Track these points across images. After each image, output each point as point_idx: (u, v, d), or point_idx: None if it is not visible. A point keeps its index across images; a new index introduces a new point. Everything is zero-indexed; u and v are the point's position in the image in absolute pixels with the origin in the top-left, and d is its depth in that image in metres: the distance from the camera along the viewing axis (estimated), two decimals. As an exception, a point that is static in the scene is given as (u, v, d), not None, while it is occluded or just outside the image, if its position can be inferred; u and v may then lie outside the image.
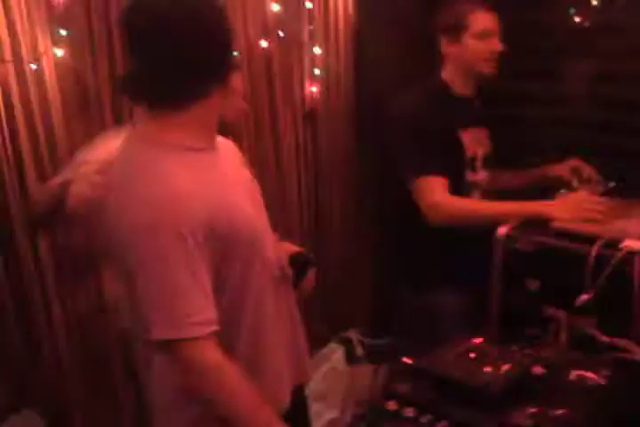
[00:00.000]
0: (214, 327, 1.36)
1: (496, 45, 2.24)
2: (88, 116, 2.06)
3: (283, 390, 1.59)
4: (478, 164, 2.33)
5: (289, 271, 1.62)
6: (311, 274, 1.71)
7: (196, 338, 1.34)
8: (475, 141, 2.31)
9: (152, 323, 1.34)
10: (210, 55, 1.36)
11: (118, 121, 2.11)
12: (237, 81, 1.45)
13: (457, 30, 2.23)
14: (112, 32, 2.07)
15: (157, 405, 1.55)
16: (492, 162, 2.39)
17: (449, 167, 2.19)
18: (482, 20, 2.22)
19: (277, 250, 1.60)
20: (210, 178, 1.43)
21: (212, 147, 1.48)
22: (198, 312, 1.34)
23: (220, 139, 1.53)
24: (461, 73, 2.29)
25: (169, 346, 1.35)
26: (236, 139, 1.81)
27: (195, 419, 1.48)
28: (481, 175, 2.34)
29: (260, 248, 1.50)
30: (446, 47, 2.27)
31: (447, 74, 2.30)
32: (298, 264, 1.65)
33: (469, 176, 2.30)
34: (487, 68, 2.25)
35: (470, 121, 2.31)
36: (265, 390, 1.47)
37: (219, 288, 1.41)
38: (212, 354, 1.36)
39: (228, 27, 1.39)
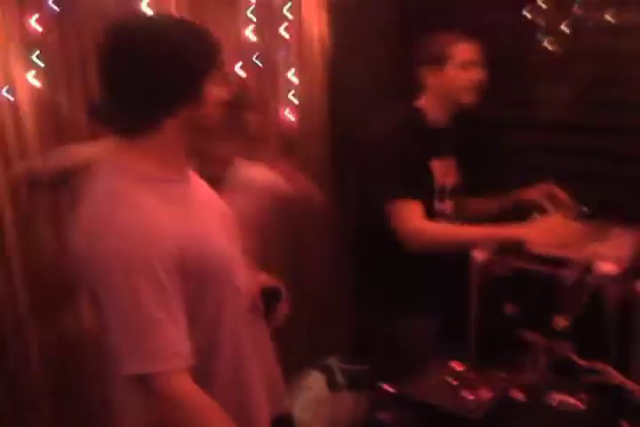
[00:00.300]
0: (188, 360, 1.34)
1: (478, 75, 2.28)
2: (64, 140, 2.05)
3: (263, 421, 1.58)
4: (447, 194, 2.35)
5: (260, 304, 1.61)
6: (282, 307, 1.70)
7: (171, 371, 1.32)
8: (444, 172, 2.34)
9: (123, 357, 1.32)
10: (166, 82, 1.33)
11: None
12: (214, 92, 1.40)
13: (440, 61, 2.26)
14: (88, 61, 2.06)
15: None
16: (457, 192, 2.42)
17: (420, 195, 2.21)
18: (465, 51, 2.26)
19: (250, 281, 1.59)
20: (181, 209, 1.42)
21: (183, 177, 1.47)
22: (172, 345, 1.32)
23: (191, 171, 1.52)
24: (440, 103, 2.31)
25: (142, 380, 1.32)
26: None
27: None
28: (448, 205, 2.37)
29: (232, 279, 1.49)
30: (428, 77, 2.30)
31: (424, 103, 2.33)
32: (269, 297, 1.65)
33: (437, 206, 2.32)
34: (468, 98, 2.29)
35: (442, 151, 2.34)
36: (246, 422, 1.46)
37: (193, 320, 1.40)
38: (186, 386, 1.34)
39: (195, 46, 1.36)
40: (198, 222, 1.44)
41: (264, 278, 1.70)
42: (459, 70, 2.26)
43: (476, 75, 2.28)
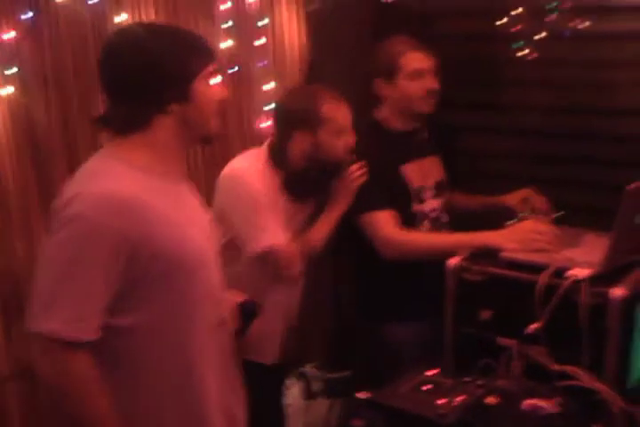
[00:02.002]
0: (90, 335, 1.37)
1: (431, 84, 2.27)
2: (39, 156, 2.04)
3: None
4: (426, 195, 2.35)
5: (232, 317, 1.61)
6: (256, 323, 1.71)
7: (70, 341, 1.35)
8: (420, 173, 2.35)
9: (50, 312, 1.35)
10: (149, 82, 1.44)
11: (71, 160, 2.09)
12: (206, 89, 1.49)
13: (390, 72, 2.26)
14: (64, 69, 2.06)
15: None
16: (445, 189, 2.42)
17: (393, 201, 2.22)
18: (414, 61, 2.25)
19: (223, 290, 1.60)
20: (168, 201, 1.46)
21: (176, 176, 1.52)
22: (83, 316, 1.36)
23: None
24: (397, 112, 2.33)
25: (41, 340, 1.36)
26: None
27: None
28: (430, 205, 2.37)
29: (202, 279, 1.50)
30: (381, 89, 2.31)
31: (382, 113, 2.34)
32: (245, 312, 1.66)
33: (416, 208, 2.33)
34: (424, 107, 2.29)
35: (412, 154, 2.34)
36: None
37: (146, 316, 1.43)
38: (80, 363, 1.37)
39: (174, 52, 1.46)
40: (176, 222, 1.47)
41: (238, 295, 1.71)
42: (411, 80, 2.26)
43: (429, 83, 2.27)
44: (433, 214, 2.38)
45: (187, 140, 1.52)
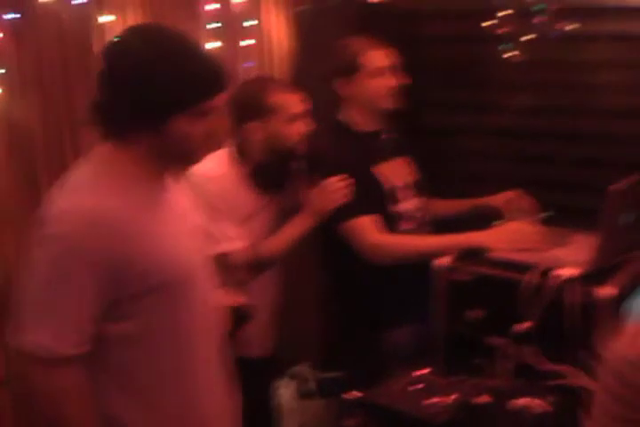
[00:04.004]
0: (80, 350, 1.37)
1: (390, 82, 2.26)
2: (21, 157, 2.02)
3: None
4: (400, 195, 2.35)
5: (226, 322, 1.61)
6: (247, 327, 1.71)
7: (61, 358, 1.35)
8: (392, 173, 2.34)
9: (28, 329, 1.35)
10: (154, 97, 1.36)
11: (57, 161, 2.07)
12: (184, 127, 1.41)
13: (351, 71, 2.26)
14: (45, 70, 2.04)
15: None
16: (423, 188, 2.42)
17: (370, 204, 2.21)
18: (375, 59, 2.25)
19: (215, 296, 1.59)
20: (150, 215, 1.44)
21: (163, 183, 1.49)
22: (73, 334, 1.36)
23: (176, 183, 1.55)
24: (362, 111, 2.31)
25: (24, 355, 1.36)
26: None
27: None
28: (405, 206, 2.35)
29: (190, 292, 1.49)
30: (342, 88, 2.30)
31: (345, 114, 2.33)
32: (238, 316, 1.66)
33: (391, 208, 2.32)
34: (387, 104, 2.29)
35: (382, 155, 2.34)
36: None
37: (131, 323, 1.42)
38: (70, 377, 1.37)
39: (163, 82, 1.36)
40: (168, 233, 1.46)
41: (231, 297, 1.69)
42: (371, 78, 2.25)
43: (389, 81, 2.26)
44: (410, 214, 2.37)
45: (167, 161, 1.48)
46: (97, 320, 1.38)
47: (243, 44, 2.61)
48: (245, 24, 2.61)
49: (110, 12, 2.15)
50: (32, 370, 1.37)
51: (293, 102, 2.15)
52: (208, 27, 2.47)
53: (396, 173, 2.35)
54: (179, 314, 1.47)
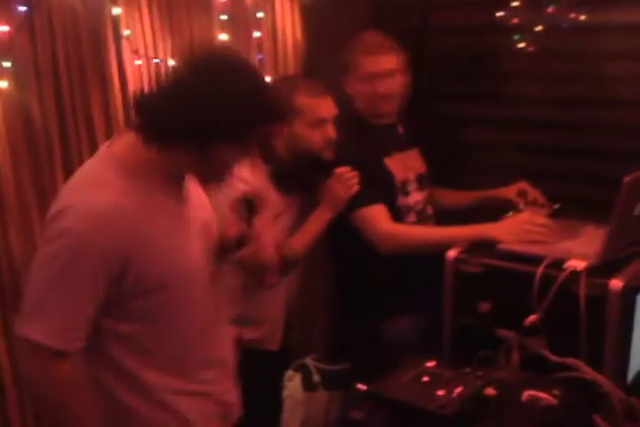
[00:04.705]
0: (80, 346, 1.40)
1: (379, 89, 2.23)
2: (36, 150, 2.03)
3: None
4: (410, 187, 2.35)
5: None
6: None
7: (67, 351, 1.38)
8: (403, 166, 2.34)
9: (26, 320, 1.37)
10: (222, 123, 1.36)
11: (65, 154, 2.08)
12: (224, 155, 1.43)
13: (348, 71, 2.26)
14: (58, 63, 2.05)
15: None
16: (428, 180, 2.42)
17: (380, 194, 2.21)
18: (368, 64, 2.23)
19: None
20: (161, 218, 1.45)
21: (179, 185, 1.50)
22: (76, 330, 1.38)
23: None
24: (369, 108, 2.31)
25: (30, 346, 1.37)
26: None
27: None
28: (414, 198, 2.36)
29: (188, 299, 1.51)
30: (346, 85, 2.30)
31: (358, 107, 2.33)
32: (241, 210, 1.62)
33: (401, 201, 2.32)
34: (382, 108, 2.28)
35: (394, 147, 2.34)
36: None
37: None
38: (70, 370, 1.39)
39: (224, 110, 1.36)
40: (176, 237, 1.47)
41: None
42: (365, 83, 2.24)
43: (383, 87, 2.23)
44: (417, 207, 2.37)
45: (195, 174, 1.51)
46: (93, 318, 1.40)
47: (253, 36, 2.61)
48: (258, 15, 2.60)
49: (119, 5, 2.16)
50: (30, 358, 1.39)
51: (321, 106, 2.11)
52: (219, 18, 2.46)
53: (408, 165, 2.36)
54: (175, 317, 1.49)
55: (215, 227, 1.63)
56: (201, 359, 1.58)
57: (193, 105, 1.35)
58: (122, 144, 1.46)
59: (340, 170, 2.16)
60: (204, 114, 1.35)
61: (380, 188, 2.24)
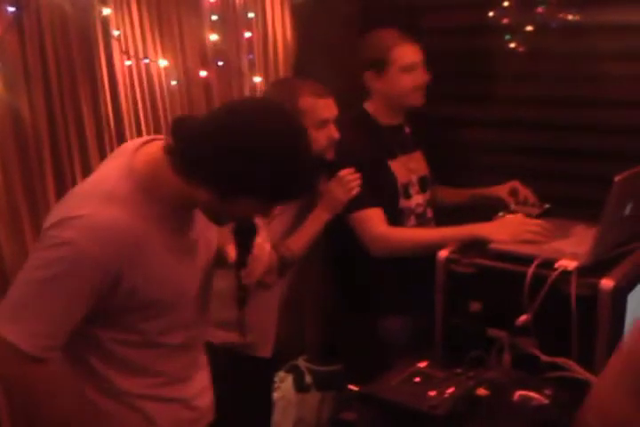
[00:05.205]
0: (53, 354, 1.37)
1: (422, 77, 2.27)
2: (25, 151, 2.01)
3: None
4: (412, 190, 2.35)
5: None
6: (259, 246, 1.59)
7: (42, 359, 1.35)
8: (406, 168, 2.34)
9: (5, 320, 1.34)
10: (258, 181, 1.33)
11: (55, 156, 2.07)
12: (244, 208, 1.40)
13: (382, 65, 2.25)
14: (47, 63, 2.04)
15: None
16: (429, 184, 2.42)
17: (381, 197, 2.21)
18: (406, 54, 2.24)
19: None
20: (165, 239, 1.42)
21: (188, 217, 1.49)
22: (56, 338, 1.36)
23: None
24: (388, 105, 2.32)
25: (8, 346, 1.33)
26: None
27: None
28: (415, 201, 2.37)
29: (175, 318, 1.50)
30: (372, 81, 2.30)
31: (372, 106, 2.33)
32: (241, 234, 1.54)
33: (403, 203, 2.33)
34: (415, 100, 2.29)
35: (400, 149, 2.34)
36: None
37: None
38: (48, 369, 1.38)
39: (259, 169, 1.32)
40: (175, 259, 1.45)
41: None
42: (402, 74, 2.24)
43: (419, 77, 2.26)
44: (418, 210, 2.38)
45: (206, 214, 1.46)
46: (71, 330, 1.38)
47: (246, 34, 2.61)
48: (249, 15, 2.60)
49: (109, 6, 2.15)
50: (6, 357, 1.36)
51: (323, 107, 2.10)
52: (209, 19, 2.46)
53: (411, 167, 2.36)
54: (161, 331, 1.49)
55: (215, 243, 1.61)
56: (178, 368, 1.56)
57: (233, 154, 1.30)
58: (147, 157, 1.40)
59: (344, 172, 2.16)
60: (241, 166, 1.30)
61: (381, 190, 2.24)
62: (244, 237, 1.55)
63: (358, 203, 2.19)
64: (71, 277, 1.32)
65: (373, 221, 2.20)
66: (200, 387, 1.64)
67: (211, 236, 1.59)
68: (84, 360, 1.47)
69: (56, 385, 1.41)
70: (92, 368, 1.47)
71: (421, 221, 2.38)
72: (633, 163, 1.80)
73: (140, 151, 1.42)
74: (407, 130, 2.43)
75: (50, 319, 1.34)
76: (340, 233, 2.28)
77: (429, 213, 2.43)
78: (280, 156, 1.32)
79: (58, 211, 1.37)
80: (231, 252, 1.59)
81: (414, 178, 2.37)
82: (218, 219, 1.46)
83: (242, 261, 1.55)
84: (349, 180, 2.16)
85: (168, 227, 1.42)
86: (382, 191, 2.24)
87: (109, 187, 1.36)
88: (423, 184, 2.40)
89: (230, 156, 1.30)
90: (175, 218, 1.44)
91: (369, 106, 2.34)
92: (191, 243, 1.51)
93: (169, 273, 1.43)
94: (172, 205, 1.41)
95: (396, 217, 2.27)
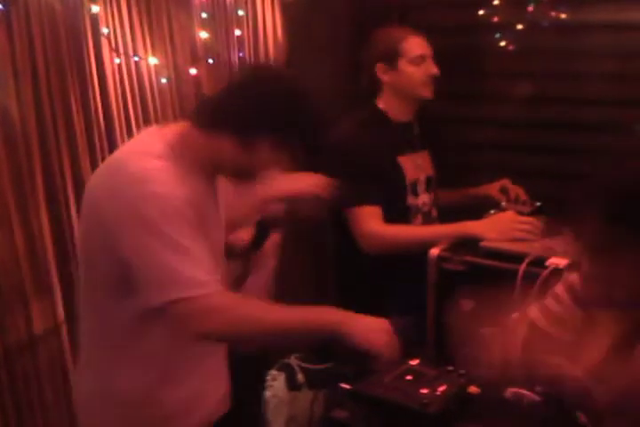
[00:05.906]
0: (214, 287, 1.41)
1: (432, 69, 2.28)
2: (14, 149, 1.99)
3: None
4: (420, 188, 2.35)
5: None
6: (273, 238, 1.71)
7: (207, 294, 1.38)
8: (415, 166, 2.34)
9: (155, 288, 1.37)
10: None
11: (46, 156, 2.06)
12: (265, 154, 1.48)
13: (392, 57, 2.26)
14: (36, 61, 2.02)
15: (78, 406, 1.63)
16: (435, 184, 2.42)
17: (388, 194, 2.21)
18: (415, 46, 2.26)
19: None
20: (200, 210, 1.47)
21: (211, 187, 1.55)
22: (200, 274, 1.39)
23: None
24: (399, 99, 2.32)
25: (175, 306, 1.36)
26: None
27: (110, 422, 1.54)
28: (422, 199, 2.37)
29: None
30: (382, 75, 2.30)
31: (384, 101, 2.33)
32: (260, 227, 1.66)
33: (411, 201, 2.33)
34: (425, 93, 2.29)
35: (410, 146, 2.34)
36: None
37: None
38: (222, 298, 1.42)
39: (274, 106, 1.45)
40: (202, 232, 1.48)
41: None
42: (412, 66, 2.26)
43: (428, 68, 2.27)
44: (424, 209, 2.38)
45: (227, 171, 1.55)
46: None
47: (237, 32, 2.60)
48: (239, 12, 2.59)
49: (98, 4, 2.13)
50: (201, 312, 1.38)
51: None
52: (198, 17, 2.45)
53: (417, 166, 2.36)
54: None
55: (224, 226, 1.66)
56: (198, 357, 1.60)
57: (243, 100, 1.45)
58: (174, 127, 1.52)
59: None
60: (251, 107, 1.43)
61: (388, 187, 2.24)
62: (264, 228, 1.68)
63: (359, 199, 2.19)
64: (181, 216, 1.38)
65: (369, 217, 2.20)
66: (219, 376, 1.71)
67: (222, 218, 1.64)
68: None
69: (245, 302, 1.48)
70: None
71: (427, 221, 2.38)
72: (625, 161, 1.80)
73: (165, 126, 1.55)
74: (416, 128, 2.43)
75: (199, 258, 1.39)
76: (335, 231, 2.28)
77: (434, 213, 2.44)
78: (291, 95, 1.47)
79: (108, 175, 1.46)
80: (245, 235, 1.68)
81: (422, 176, 2.37)
82: (242, 174, 1.53)
83: (258, 243, 1.68)
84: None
85: (197, 188, 1.48)
86: (390, 188, 2.24)
87: (150, 147, 1.47)
88: (429, 184, 2.41)
89: (244, 94, 1.45)
90: (201, 181, 1.51)
91: (380, 102, 2.34)
92: (215, 216, 1.58)
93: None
94: (199, 163, 1.48)
95: (403, 214, 2.27)
